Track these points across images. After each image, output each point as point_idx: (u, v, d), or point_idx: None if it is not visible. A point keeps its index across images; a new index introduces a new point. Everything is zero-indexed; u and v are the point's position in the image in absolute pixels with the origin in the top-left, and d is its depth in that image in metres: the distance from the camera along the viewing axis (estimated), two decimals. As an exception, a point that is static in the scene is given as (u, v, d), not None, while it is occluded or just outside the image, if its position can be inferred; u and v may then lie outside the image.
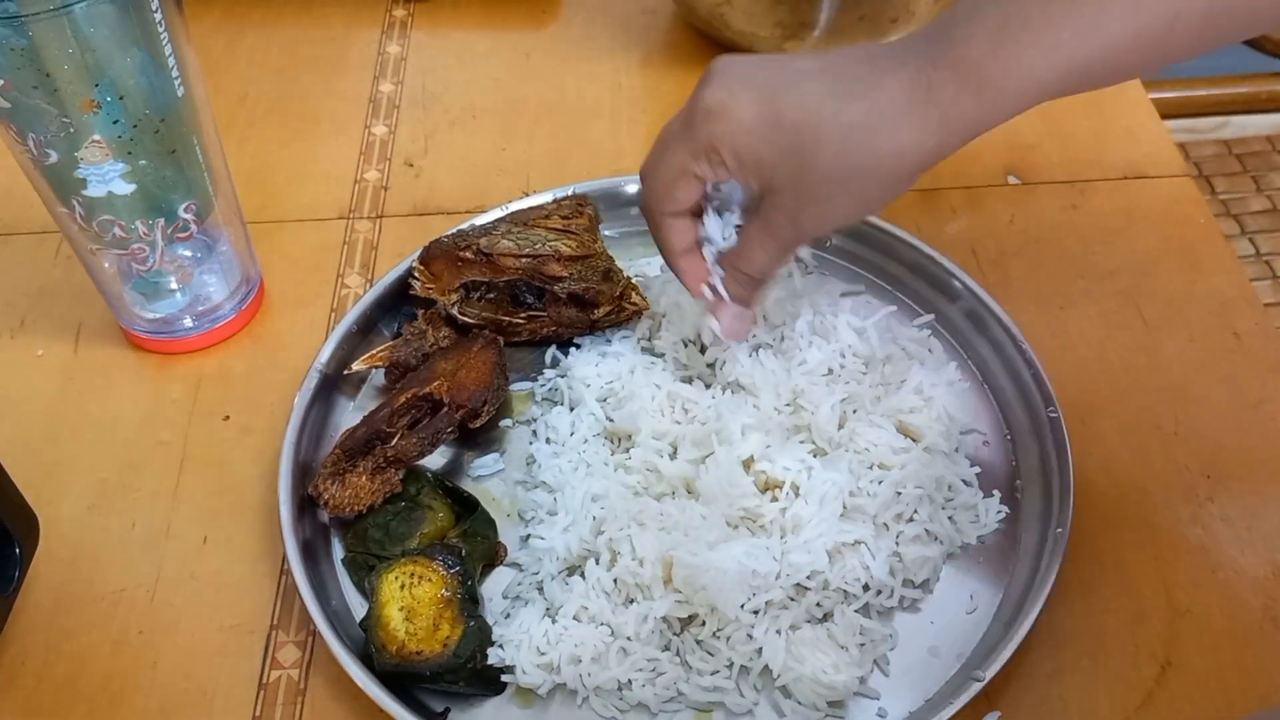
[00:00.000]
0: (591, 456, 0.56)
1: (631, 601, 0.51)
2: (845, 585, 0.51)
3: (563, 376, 0.60)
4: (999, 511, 0.55)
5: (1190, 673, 0.50)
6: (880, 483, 0.53)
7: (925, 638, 0.51)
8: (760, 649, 0.49)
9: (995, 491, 0.55)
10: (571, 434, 0.57)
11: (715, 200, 0.54)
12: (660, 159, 0.52)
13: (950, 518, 0.54)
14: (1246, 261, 1.32)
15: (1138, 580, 0.53)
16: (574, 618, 0.50)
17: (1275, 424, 0.59)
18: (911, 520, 0.53)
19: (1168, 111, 0.82)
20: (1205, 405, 0.60)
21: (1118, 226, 0.69)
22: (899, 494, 0.53)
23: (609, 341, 0.61)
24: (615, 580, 0.51)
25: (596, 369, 0.59)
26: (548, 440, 0.58)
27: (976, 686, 0.47)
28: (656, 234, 0.54)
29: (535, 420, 0.59)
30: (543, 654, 0.49)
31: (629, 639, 0.49)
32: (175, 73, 0.55)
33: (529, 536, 0.54)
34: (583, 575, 0.52)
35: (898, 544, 0.52)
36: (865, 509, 0.52)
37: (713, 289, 0.54)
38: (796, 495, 0.52)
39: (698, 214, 0.54)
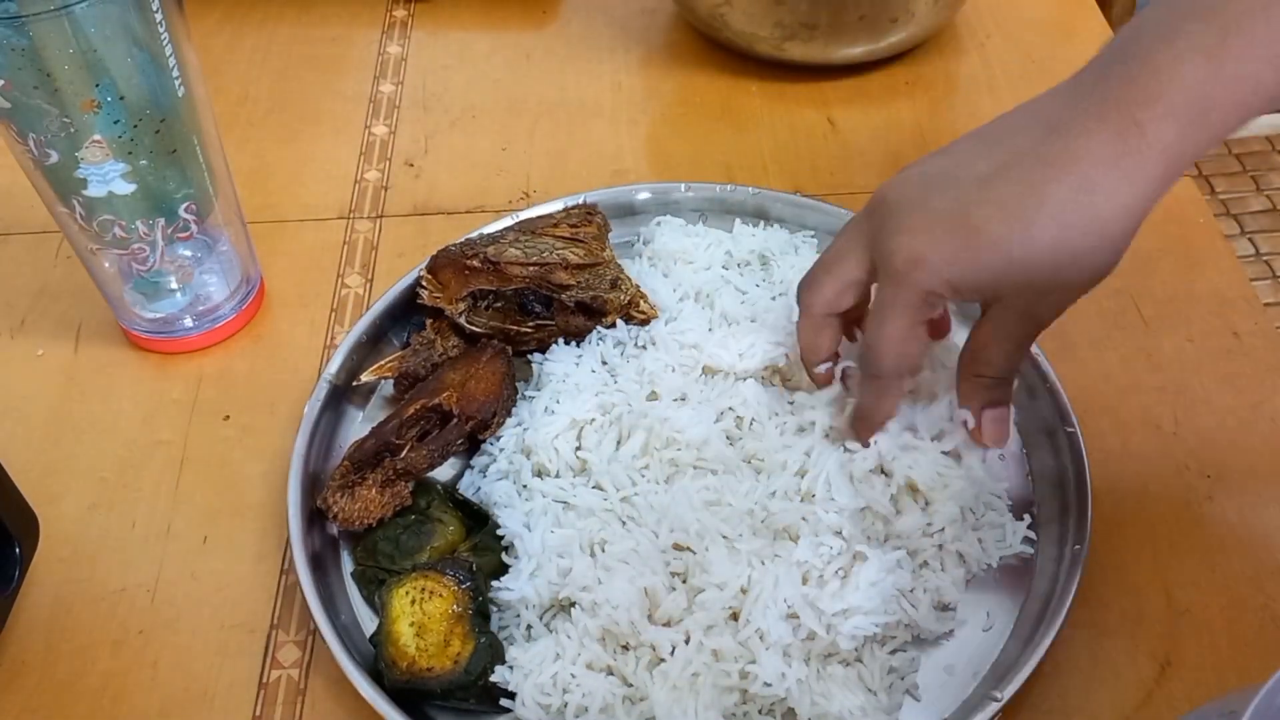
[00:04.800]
0: (527, 479, 0.54)
1: (625, 648, 0.49)
2: (886, 633, 0.50)
3: (550, 360, 0.59)
4: (1025, 533, 0.53)
5: (1190, 673, 0.50)
6: (923, 512, 0.52)
7: (942, 656, 0.50)
8: (783, 691, 0.47)
9: (1024, 515, 0.54)
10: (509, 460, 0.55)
11: None
12: (885, 320, 0.48)
13: (979, 539, 0.53)
14: (1246, 261, 1.32)
15: (1138, 580, 0.53)
16: (584, 665, 0.48)
17: (1275, 424, 0.59)
18: (942, 547, 0.52)
19: (1168, 111, 0.82)
20: (1205, 405, 0.60)
21: (1118, 226, 0.69)
22: (931, 522, 0.52)
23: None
24: (603, 629, 0.49)
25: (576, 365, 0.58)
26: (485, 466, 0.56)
27: (994, 706, 0.46)
28: (805, 351, 0.53)
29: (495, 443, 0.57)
30: (547, 695, 0.48)
31: (634, 686, 0.48)
32: (175, 73, 0.55)
33: (497, 590, 0.51)
34: (570, 617, 0.50)
35: (930, 570, 0.51)
36: (908, 552, 0.51)
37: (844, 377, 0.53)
38: (844, 578, 0.49)
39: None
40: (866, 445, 0.52)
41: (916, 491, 0.52)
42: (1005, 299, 0.47)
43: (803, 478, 0.52)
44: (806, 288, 0.52)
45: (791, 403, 0.55)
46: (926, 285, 0.46)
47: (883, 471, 0.53)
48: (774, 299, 0.61)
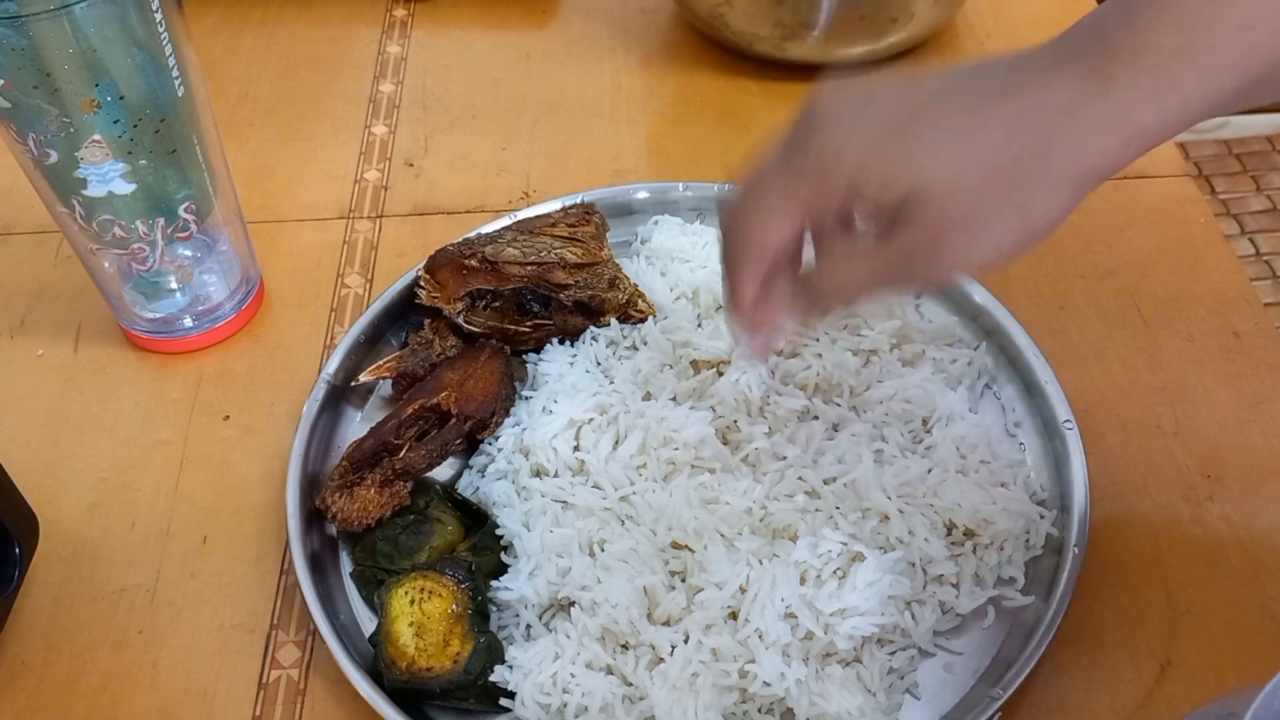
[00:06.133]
0: (526, 479, 0.54)
1: (625, 647, 0.49)
2: (884, 636, 0.49)
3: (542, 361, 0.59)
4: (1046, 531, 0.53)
5: (1190, 673, 0.50)
6: (924, 515, 0.52)
7: (941, 654, 0.50)
8: (782, 691, 0.47)
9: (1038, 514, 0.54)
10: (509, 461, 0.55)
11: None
12: (751, 189, 0.43)
13: (1007, 558, 0.52)
14: (1246, 261, 1.32)
15: (1138, 580, 0.53)
16: (584, 664, 0.48)
17: (1275, 424, 0.59)
18: (960, 567, 0.51)
19: (1168, 111, 0.82)
20: (1205, 405, 0.60)
21: (1118, 226, 0.69)
22: (935, 521, 0.51)
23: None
24: (602, 629, 0.49)
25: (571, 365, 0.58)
26: (485, 467, 0.56)
27: (994, 705, 0.46)
28: (730, 276, 0.45)
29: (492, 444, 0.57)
30: (546, 694, 0.48)
31: (633, 686, 0.48)
32: (175, 72, 0.55)
33: (496, 590, 0.51)
34: (569, 616, 0.50)
35: (943, 585, 0.51)
36: (913, 563, 0.50)
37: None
38: (842, 578, 0.49)
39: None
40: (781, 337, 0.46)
41: (955, 527, 0.52)
42: (912, 217, 0.39)
43: (800, 478, 0.52)
44: (731, 229, 0.44)
45: (779, 394, 0.55)
46: (827, 153, 0.39)
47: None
48: None
